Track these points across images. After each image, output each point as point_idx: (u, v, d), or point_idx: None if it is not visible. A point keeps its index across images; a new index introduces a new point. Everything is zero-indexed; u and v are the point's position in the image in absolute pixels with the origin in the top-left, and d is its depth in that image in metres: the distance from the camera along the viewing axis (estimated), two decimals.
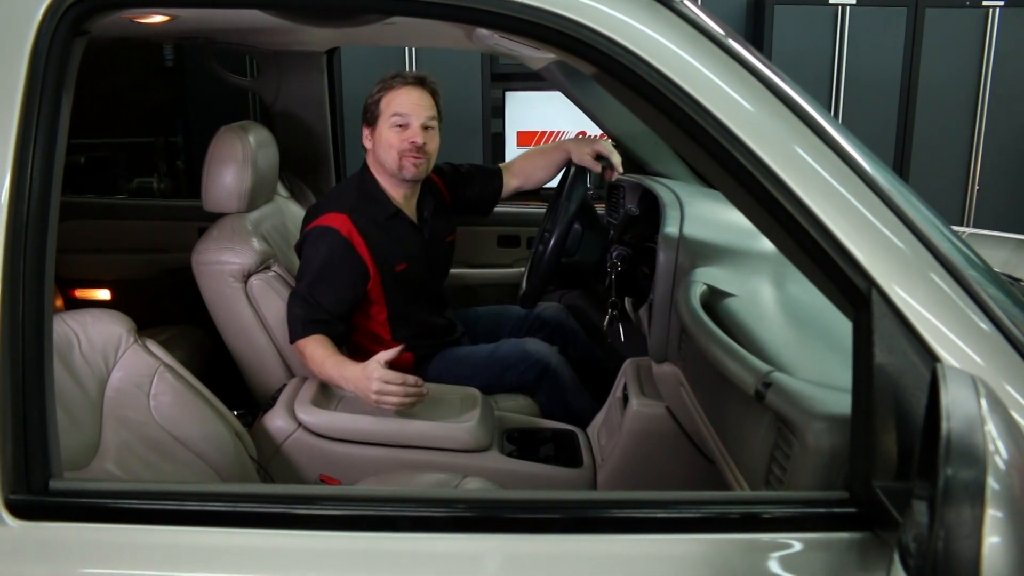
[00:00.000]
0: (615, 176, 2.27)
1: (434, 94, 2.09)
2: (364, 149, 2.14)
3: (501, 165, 2.45)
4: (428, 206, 2.19)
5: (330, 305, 1.96)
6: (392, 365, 2.02)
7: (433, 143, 2.09)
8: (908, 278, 0.83)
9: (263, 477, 1.71)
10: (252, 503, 0.89)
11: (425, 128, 2.05)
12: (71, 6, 0.90)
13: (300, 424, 1.82)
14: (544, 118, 4.03)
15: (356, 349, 2.09)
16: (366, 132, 2.11)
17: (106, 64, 3.72)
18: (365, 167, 2.14)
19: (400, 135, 2.03)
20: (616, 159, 2.25)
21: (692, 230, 1.76)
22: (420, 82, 2.07)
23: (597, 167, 2.23)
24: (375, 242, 2.02)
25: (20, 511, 0.86)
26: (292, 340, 1.97)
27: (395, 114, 2.03)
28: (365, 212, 2.04)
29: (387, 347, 2.09)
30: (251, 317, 2.02)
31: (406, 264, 2.09)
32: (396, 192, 2.11)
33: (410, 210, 2.15)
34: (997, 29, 4.23)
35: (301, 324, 1.95)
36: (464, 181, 2.35)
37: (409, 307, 2.13)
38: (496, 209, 2.46)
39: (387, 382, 1.80)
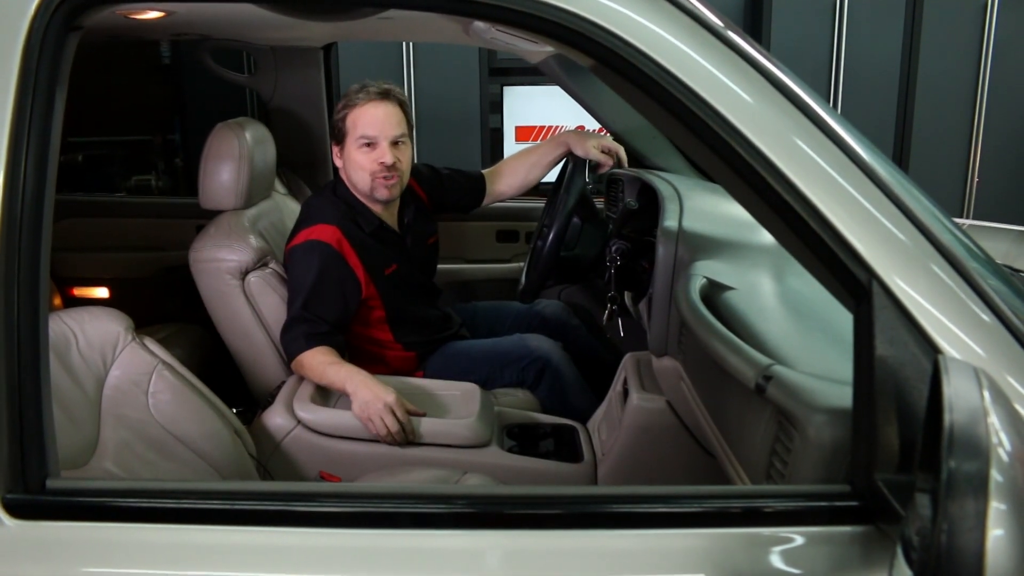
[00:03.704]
0: (610, 168, 2.26)
1: (401, 105, 2.02)
2: (335, 167, 2.09)
3: (486, 171, 2.41)
4: (408, 213, 2.17)
5: (329, 316, 1.94)
6: (394, 365, 2.01)
7: (405, 158, 2.03)
8: (909, 270, 0.82)
9: (263, 475, 1.71)
10: (251, 501, 0.89)
11: (395, 144, 1.99)
12: (64, 1, 0.89)
13: (299, 421, 1.82)
14: (543, 113, 4.02)
15: (358, 353, 2.07)
16: (335, 150, 2.06)
17: (103, 62, 3.72)
18: (339, 180, 2.10)
19: (369, 156, 1.98)
20: (622, 153, 2.26)
21: (691, 223, 1.75)
22: (385, 95, 1.99)
23: (610, 160, 2.23)
24: (364, 250, 2.01)
25: (17, 510, 0.86)
26: (292, 356, 1.91)
27: (362, 135, 1.98)
28: (352, 221, 2.02)
29: (389, 348, 2.11)
30: (249, 314, 2.02)
31: (395, 266, 2.08)
32: (374, 206, 2.08)
33: (392, 220, 2.13)
34: (996, 18, 4.21)
35: (304, 339, 1.90)
36: (443, 186, 2.32)
37: (406, 305, 2.12)
38: (495, 204, 2.45)
39: (394, 410, 1.74)
